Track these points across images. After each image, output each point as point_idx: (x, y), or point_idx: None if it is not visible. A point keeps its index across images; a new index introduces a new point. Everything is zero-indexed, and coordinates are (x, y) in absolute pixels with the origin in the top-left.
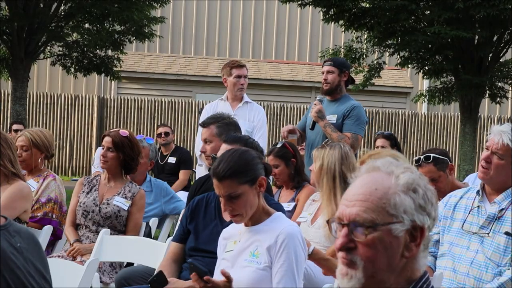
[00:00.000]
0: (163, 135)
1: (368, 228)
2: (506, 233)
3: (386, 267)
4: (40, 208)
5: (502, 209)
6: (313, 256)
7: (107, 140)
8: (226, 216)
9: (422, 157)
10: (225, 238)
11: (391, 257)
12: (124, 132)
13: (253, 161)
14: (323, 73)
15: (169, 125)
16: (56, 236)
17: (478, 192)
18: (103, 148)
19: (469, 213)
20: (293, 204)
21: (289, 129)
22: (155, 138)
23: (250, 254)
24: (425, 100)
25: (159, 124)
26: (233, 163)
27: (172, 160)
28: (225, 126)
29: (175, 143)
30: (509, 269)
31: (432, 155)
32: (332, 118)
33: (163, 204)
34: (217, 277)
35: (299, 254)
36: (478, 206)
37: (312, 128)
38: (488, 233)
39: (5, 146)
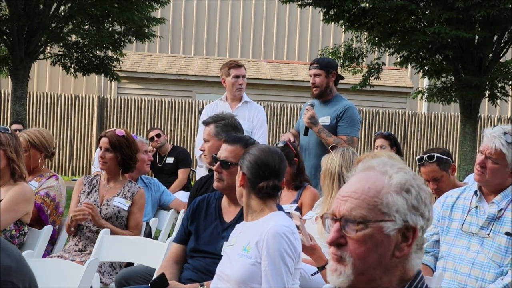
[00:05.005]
0: (155, 138)
1: (359, 224)
2: (507, 234)
3: (377, 265)
4: (37, 198)
5: (501, 209)
6: None
7: (104, 141)
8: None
9: (425, 156)
10: (233, 234)
11: (382, 255)
12: (120, 131)
13: (267, 166)
14: (310, 76)
15: (168, 125)
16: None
17: (476, 192)
18: (100, 149)
19: (468, 213)
20: (295, 205)
21: (290, 140)
22: (148, 143)
23: (243, 248)
24: (424, 98)
25: (148, 129)
26: (257, 149)
27: (170, 160)
28: (222, 127)
29: (174, 143)
30: (511, 269)
31: (435, 154)
32: (325, 120)
33: (156, 194)
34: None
35: (286, 252)
36: (476, 207)
37: (306, 133)
38: (488, 234)
39: (20, 149)
